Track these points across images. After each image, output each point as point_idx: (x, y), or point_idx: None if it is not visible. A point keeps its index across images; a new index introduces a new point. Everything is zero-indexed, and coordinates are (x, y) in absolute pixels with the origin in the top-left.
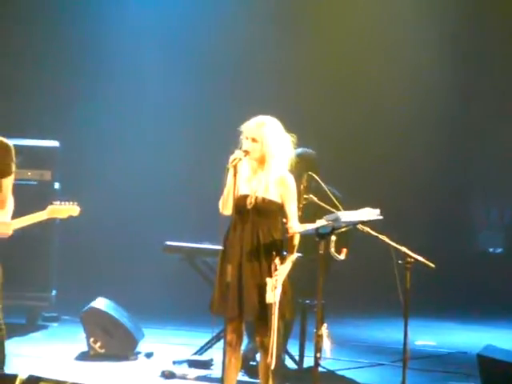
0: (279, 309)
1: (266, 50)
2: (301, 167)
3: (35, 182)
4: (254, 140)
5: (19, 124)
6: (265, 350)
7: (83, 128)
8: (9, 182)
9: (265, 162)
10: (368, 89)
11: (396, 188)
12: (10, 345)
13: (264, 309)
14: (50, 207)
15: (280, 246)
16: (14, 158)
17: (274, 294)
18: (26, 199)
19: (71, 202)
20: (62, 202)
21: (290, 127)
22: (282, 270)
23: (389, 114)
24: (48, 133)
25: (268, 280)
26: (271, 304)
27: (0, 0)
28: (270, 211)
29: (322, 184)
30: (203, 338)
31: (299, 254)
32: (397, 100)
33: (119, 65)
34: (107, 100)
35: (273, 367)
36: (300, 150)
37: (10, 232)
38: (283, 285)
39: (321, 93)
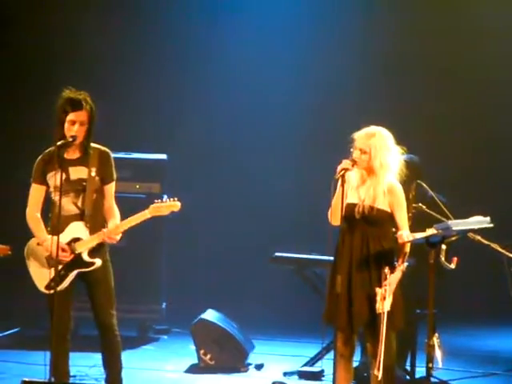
0: (390, 319)
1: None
2: (406, 174)
3: (144, 195)
4: (362, 151)
5: (128, 138)
6: (375, 359)
7: (192, 140)
8: (111, 188)
9: (373, 171)
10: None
11: (506, 193)
12: (122, 357)
13: (374, 318)
14: (151, 206)
15: (390, 256)
16: (113, 165)
17: (383, 304)
18: (136, 212)
19: (172, 199)
20: (164, 200)
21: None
22: (392, 279)
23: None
24: (156, 146)
25: (377, 290)
26: (380, 314)
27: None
28: (379, 220)
29: (430, 191)
30: (313, 349)
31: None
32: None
33: (229, 77)
34: (216, 111)
35: (380, 378)
36: (405, 156)
37: (120, 234)
38: (394, 294)
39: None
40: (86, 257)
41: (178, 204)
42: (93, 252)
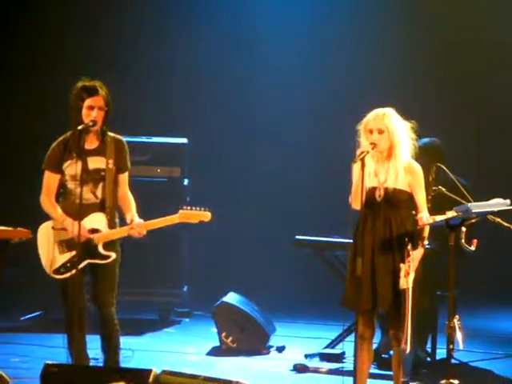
0: (412, 296)
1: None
2: (427, 157)
3: (165, 179)
4: (380, 131)
5: (148, 122)
6: (398, 342)
7: (212, 124)
8: (126, 177)
9: (391, 151)
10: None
11: None
12: (144, 340)
13: (398, 300)
14: (181, 212)
15: (412, 237)
16: (128, 154)
17: (407, 280)
18: (156, 196)
19: (203, 208)
20: (194, 207)
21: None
22: (415, 255)
23: None
24: (177, 130)
25: (401, 265)
26: (404, 290)
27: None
28: (400, 201)
29: (451, 174)
30: (334, 331)
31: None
32: None
33: (250, 63)
34: (236, 95)
35: (408, 351)
36: (427, 139)
37: (145, 232)
38: (416, 274)
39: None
40: (101, 249)
41: (209, 214)
42: (107, 244)
